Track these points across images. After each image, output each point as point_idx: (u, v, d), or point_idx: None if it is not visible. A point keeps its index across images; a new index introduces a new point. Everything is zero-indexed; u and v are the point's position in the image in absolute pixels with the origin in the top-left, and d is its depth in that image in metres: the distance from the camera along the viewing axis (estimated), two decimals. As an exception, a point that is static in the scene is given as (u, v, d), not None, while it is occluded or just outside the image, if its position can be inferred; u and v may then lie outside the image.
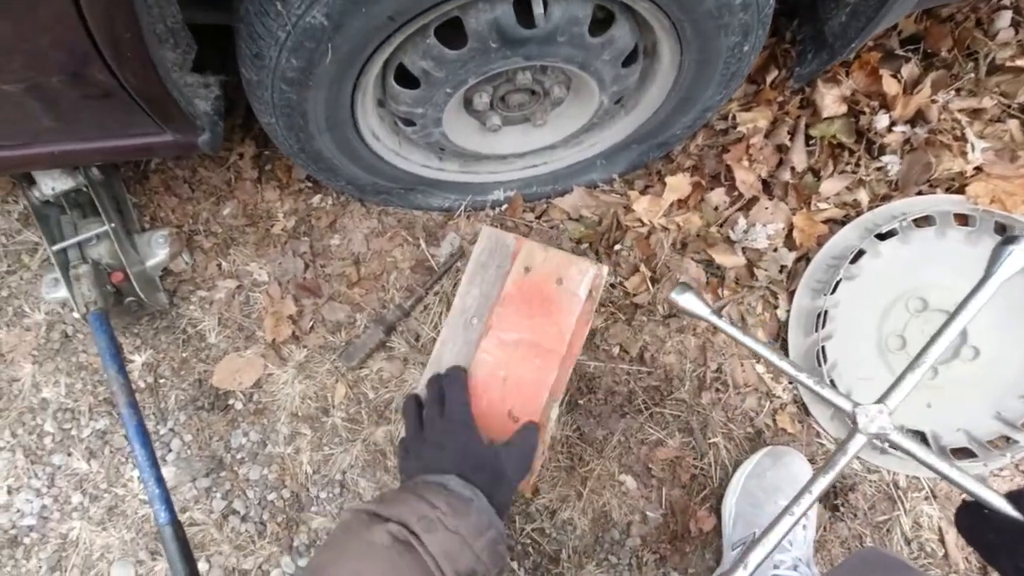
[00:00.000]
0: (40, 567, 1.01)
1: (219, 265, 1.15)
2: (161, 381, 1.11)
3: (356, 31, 0.70)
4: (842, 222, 1.09)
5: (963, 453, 1.04)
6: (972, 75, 1.10)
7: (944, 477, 0.67)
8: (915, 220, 1.03)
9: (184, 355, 1.12)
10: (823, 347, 1.04)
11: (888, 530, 1.04)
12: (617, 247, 1.13)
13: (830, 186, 1.09)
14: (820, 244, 1.09)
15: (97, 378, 1.10)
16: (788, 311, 1.10)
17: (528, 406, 0.80)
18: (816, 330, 1.04)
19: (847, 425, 1.04)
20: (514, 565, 1.01)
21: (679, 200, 1.14)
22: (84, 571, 1.01)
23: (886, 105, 1.07)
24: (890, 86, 1.05)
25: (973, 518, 0.62)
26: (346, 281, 1.15)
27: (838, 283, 1.04)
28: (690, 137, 1.16)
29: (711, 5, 0.75)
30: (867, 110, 1.08)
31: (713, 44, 0.83)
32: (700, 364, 1.10)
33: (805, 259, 1.10)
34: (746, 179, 1.11)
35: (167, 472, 1.05)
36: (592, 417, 1.06)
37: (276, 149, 1.13)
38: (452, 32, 0.76)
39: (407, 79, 0.83)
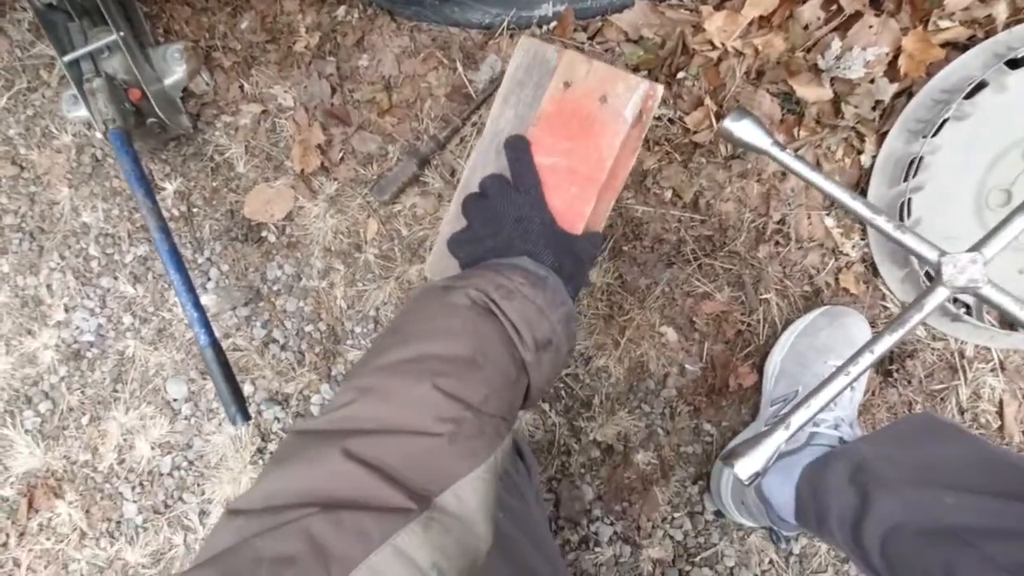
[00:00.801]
0: (104, 378, 1.09)
1: (241, 87, 1.07)
2: (195, 210, 1.09)
3: None
4: (965, 47, 0.89)
5: (1050, 324, 0.94)
6: None
7: None
8: (1065, 43, 0.83)
9: (214, 184, 1.08)
10: (909, 199, 0.91)
11: (943, 399, 0.98)
12: (680, 75, 0.98)
13: (959, -2, 0.88)
14: (930, 75, 0.90)
15: (132, 204, 1.09)
16: (874, 157, 0.95)
17: None
18: (906, 179, 0.90)
19: (921, 284, 0.94)
20: (545, 407, 1.02)
21: (761, 17, 0.95)
22: (143, 384, 1.08)
23: None
24: None
25: None
26: (376, 108, 1.05)
27: (944, 123, 0.87)
28: (787, -67, 0.94)
29: None
30: None
31: None
32: (761, 214, 0.99)
33: (908, 94, 0.93)
34: (851, -11, 0.90)
35: (208, 299, 1.06)
36: (636, 265, 1.00)
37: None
38: None
39: None
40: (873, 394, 0.99)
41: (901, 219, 0.92)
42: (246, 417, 0.91)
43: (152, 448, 1.07)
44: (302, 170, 1.05)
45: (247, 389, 1.07)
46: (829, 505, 0.74)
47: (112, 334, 1.09)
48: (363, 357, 0.54)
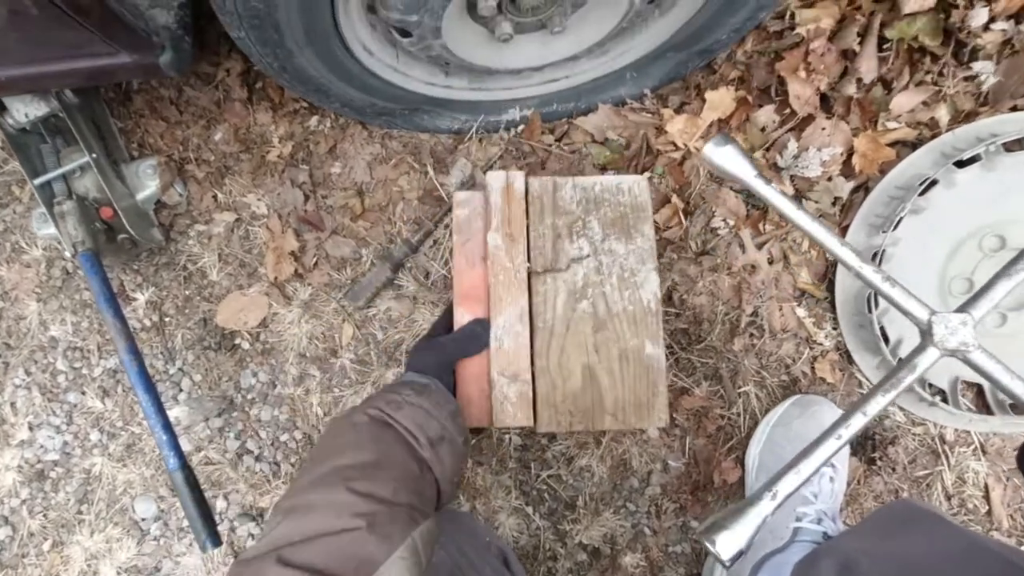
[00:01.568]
0: (68, 499, 1.04)
1: (215, 197, 1.07)
2: (167, 320, 1.07)
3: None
4: (913, 145, 0.93)
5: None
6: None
7: None
8: (1005, 143, 0.87)
9: (187, 293, 1.07)
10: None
11: (928, 485, 0.98)
12: (647, 174, 1.01)
13: (903, 101, 0.93)
14: (883, 172, 0.94)
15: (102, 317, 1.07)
16: (839, 248, 0.97)
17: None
18: (870, 271, 0.92)
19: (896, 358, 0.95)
20: (529, 510, 1.00)
21: (720, 119, 0.99)
22: (110, 504, 1.04)
23: (987, -3, 0.87)
24: (996, -29, 0.85)
25: None
26: (350, 213, 1.06)
27: (901, 219, 0.90)
28: (737, 43, 0.99)
29: None
30: (961, 2, 0.88)
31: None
32: (734, 307, 1.00)
33: (864, 189, 0.96)
34: (802, 93, 0.95)
35: (180, 412, 1.04)
36: (613, 363, 0.99)
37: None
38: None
39: (398, -20, 0.69)
40: (859, 483, 0.98)
41: (869, 309, 0.94)
42: (216, 543, 0.87)
43: (118, 573, 1.02)
44: (276, 277, 1.04)
45: (219, 505, 1.03)
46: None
47: (78, 451, 1.05)
48: (289, 484, 0.63)
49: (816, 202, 0.96)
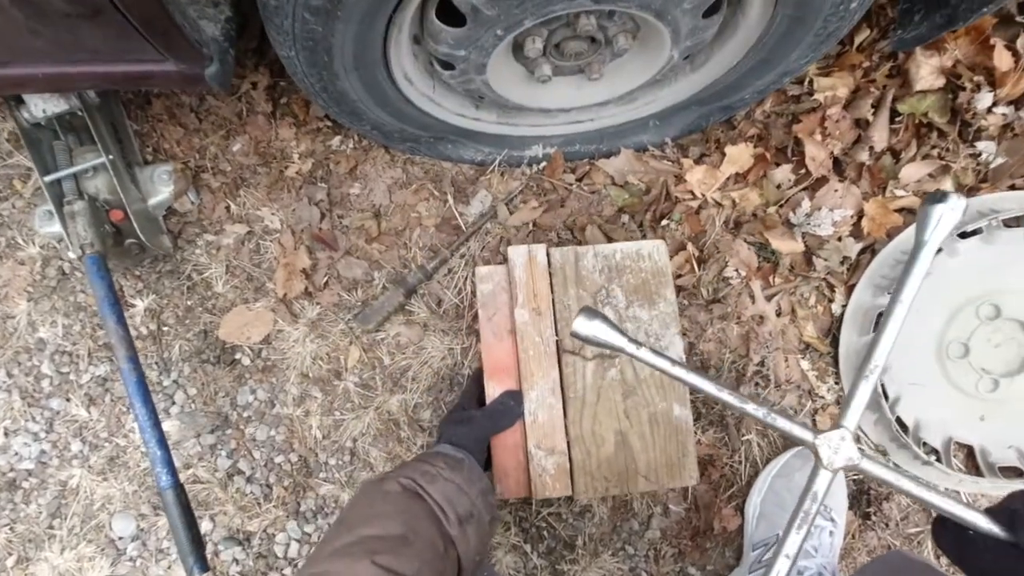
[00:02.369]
0: (40, 512, 0.98)
1: (228, 208, 1.06)
2: (165, 329, 1.04)
3: (399, -45, 0.57)
4: (919, 213, 0.98)
5: (1012, 472, 0.98)
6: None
7: (928, 504, 0.61)
8: (1005, 220, 0.92)
9: (189, 303, 1.04)
10: (878, 349, 0.96)
11: (919, 543, 1.00)
12: (664, 221, 1.03)
13: (911, 171, 0.97)
14: (890, 236, 0.98)
15: (96, 321, 1.03)
16: (844, 306, 1.01)
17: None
18: (873, 330, 0.95)
19: (893, 429, 0.97)
20: (527, 548, 0.98)
21: (738, 173, 1.02)
22: (85, 520, 0.98)
23: (992, 82, 0.93)
24: (1002, 59, 0.91)
25: (959, 541, 0.59)
26: (365, 235, 1.05)
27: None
28: (757, 102, 1.03)
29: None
30: (968, 85, 0.94)
31: (818, -1, 0.69)
32: (741, 355, 1.02)
33: (871, 251, 1.00)
34: (817, 155, 0.99)
35: (170, 426, 1.00)
36: (621, 403, 1.00)
37: (293, 80, 1.01)
38: (512, -37, 0.63)
39: (451, 15, 0.70)
40: (853, 537, 1.00)
41: (871, 367, 0.97)
42: (204, 568, 0.83)
43: (88, 595, 0.96)
44: (284, 294, 1.02)
45: (205, 526, 0.98)
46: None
47: (56, 462, 1.00)
48: (316, 547, 0.64)
49: (825, 260, 0.99)
